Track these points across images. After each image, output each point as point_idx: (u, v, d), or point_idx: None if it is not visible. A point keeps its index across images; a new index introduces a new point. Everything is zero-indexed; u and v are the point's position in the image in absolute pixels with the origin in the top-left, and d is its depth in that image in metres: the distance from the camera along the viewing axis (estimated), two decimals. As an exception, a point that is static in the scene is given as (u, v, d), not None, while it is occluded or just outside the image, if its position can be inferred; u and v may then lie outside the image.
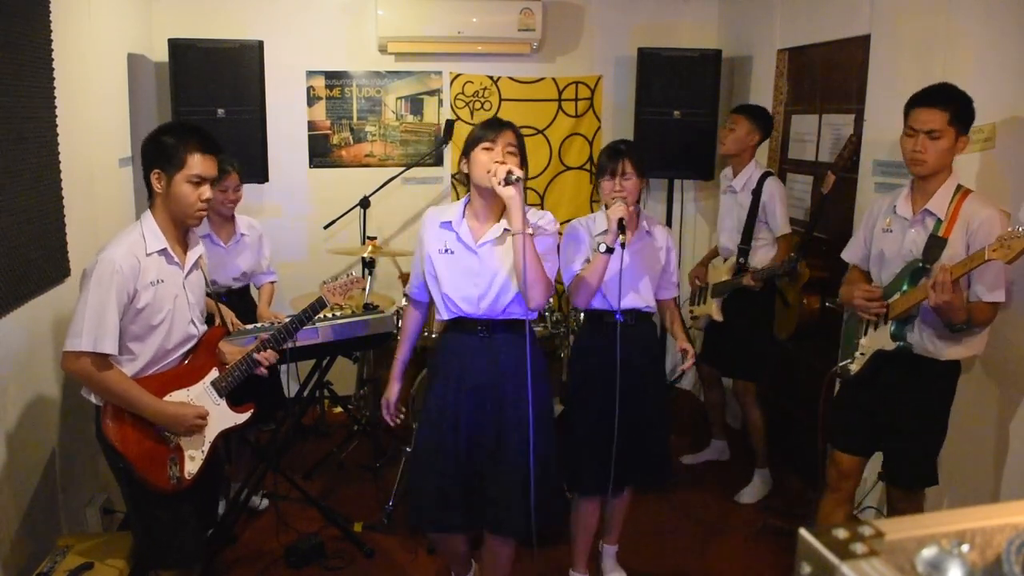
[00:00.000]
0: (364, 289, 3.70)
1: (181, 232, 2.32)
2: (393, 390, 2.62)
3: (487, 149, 2.31)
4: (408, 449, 3.54)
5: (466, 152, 2.38)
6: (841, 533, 0.66)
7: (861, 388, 2.65)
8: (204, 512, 2.54)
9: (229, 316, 3.12)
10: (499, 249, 2.38)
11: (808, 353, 3.92)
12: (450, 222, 2.41)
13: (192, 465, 2.32)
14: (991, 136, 2.70)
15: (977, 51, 2.76)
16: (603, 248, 2.54)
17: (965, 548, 0.63)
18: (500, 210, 2.37)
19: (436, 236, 2.42)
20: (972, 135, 2.77)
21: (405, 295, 2.67)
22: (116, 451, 2.19)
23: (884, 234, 2.60)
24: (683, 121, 4.35)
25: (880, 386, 2.59)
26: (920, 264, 2.43)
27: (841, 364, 2.70)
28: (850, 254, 2.81)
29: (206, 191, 2.23)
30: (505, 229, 2.35)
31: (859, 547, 0.64)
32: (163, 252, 2.24)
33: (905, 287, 2.46)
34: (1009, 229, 2.12)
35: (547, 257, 2.35)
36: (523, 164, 2.37)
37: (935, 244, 2.41)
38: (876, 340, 2.56)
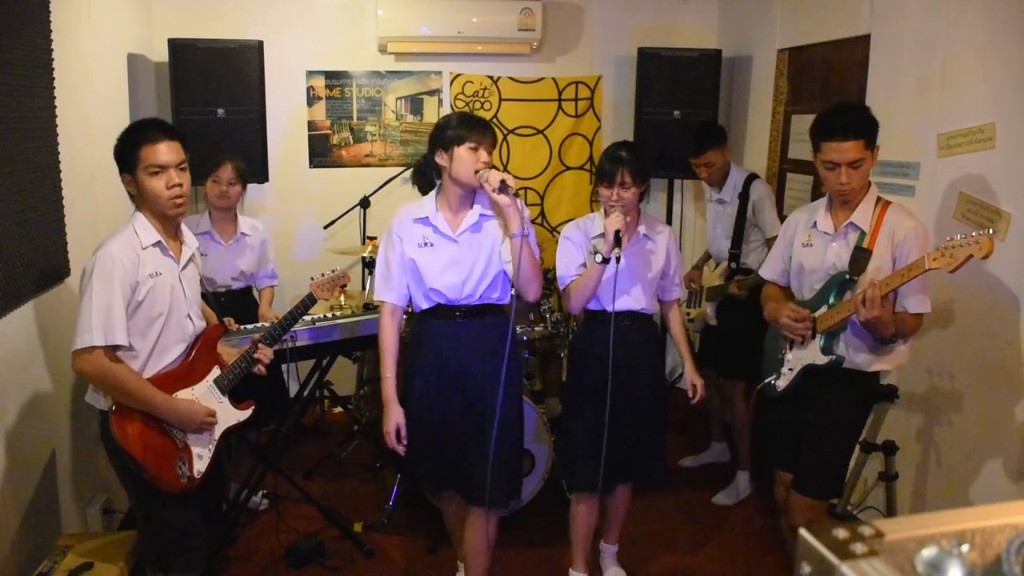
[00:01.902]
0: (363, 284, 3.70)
1: (171, 227, 2.30)
2: (397, 413, 2.52)
3: (473, 149, 2.39)
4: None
5: (446, 146, 2.43)
6: (841, 533, 0.66)
7: (786, 403, 2.63)
8: (211, 515, 2.53)
9: (228, 320, 3.13)
10: (477, 236, 2.50)
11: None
12: (426, 217, 2.49)
13: (200, 464, 2.32)
14: (991, 136, 2.70)
15: (977, 51, 2.76)
16: (599, 258, 2.57)
17: (965, 548, 0.63)
18: (472, 199, 2.51)
19: (413, 232, 2.50)
20: (972, 135, 2.78)
21: (378, 302, 2.60)
22: (125, 452, 2.17)
23: (804, 248, 2.58)
24: (683, 121, 4.35)
25: (803, 399, 2.57)
26: (847, 276, 2.42)
27: (767, 381, 2.68)
28: (768, 270, 2.77)
29: (173, 176, 2.19)
30: (482, 215, 2.49)
31: (859, 547, 0.64)
32: (158, 244, 2.23)
33: (832, 300, 2.44)
34: (949, 237, 2.12)
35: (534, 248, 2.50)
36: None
37: (860, 256, 2.40)
38: (805, 355, 2.54)
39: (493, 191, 2.34)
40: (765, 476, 3.86)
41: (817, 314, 2.48)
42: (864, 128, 2.34)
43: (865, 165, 2.37)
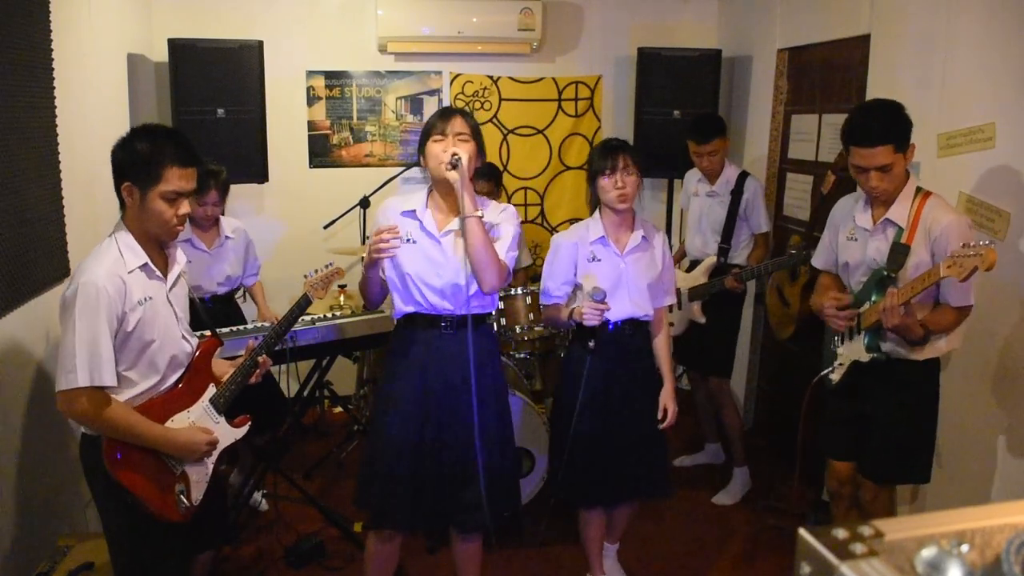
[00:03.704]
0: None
1: (157, 243, 2.11)
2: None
3: (438, 140, 2.30)
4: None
5: (420, 146, 2.36)
6: (841, 533, 0.66)
7: (842, 397, 2.65)
8: (215, 524, 2.40)
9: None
10: (462, 240, 2.36)
11: (808, 353, 3.92)
12: (413, 211, 2.38)
13: (198, 491, 2.18)
14: (991, 136, 2.70)
15: (977, 51, 2.76)
16: (573, 322, 2.58)
17: (965, 548, 0.63)
18: None
19: (399, 225, 2.37)
20: (972, 135, 2.78)
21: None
22: (121, 488, 2.02)
23: (848, 243, 2.58)
24: (683, 121, 4.33)
25: (861, 393, 2.58)
26: (885, 273, 2.42)
27: (823, 373, 2.70)
28: (819, 260, 2.78)
29: (183, 206, 2.03)
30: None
31: (859, 547, 0.64)
32: (144, 267, 2.04)
33: (874, 297, 2.45)
34: (962, 244, 2.14)
35: (511, 246, 2.38)
36: (480, 151, 2.38)
37: (898, 252, 2.40)
38: (852, 351, 2.56)
39: (447, 170, 2.22)
40: (764, 476, 3.88)
41: (861, 310, 2.50)
42: (892, 133, 2.31)
43: (896, 168, 2.35)
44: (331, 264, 2.75)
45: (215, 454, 2.25)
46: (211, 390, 2.26)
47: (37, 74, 2.69)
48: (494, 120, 4.85)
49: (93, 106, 3.24)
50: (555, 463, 2.83)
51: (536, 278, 4.02)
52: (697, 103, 4.38)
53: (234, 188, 3.53)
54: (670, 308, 3.75)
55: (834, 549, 0.65)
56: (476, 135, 2.37)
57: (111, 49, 3.64)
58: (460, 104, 4.77)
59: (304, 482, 3.73)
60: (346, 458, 4.11)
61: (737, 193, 3.68)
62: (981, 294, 2.72)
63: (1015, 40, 2.61)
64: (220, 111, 3.97)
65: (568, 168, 5.01)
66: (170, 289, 2.14)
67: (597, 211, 2.74)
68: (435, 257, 2.35)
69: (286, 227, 4.65)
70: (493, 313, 2.49)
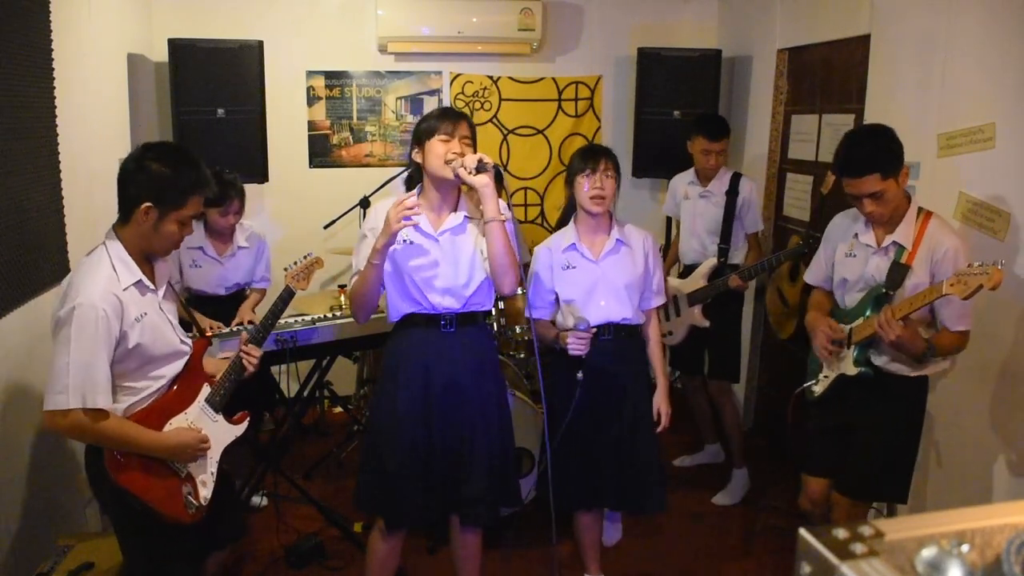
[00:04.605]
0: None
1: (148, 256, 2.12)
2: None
3: (444, 140, 2.29)
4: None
5: (419, 141, 2.34)
6: (841, 533, 0.66)
7: (826, 409, 2.63)
8: (227, 523, 2.41)
9: (207, 323, 3.11)
10: (460, 238, 2.38)
11: (808, 353, 3.92)
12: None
13: (205, 490, 2.20)
14: (991, 136, 2.70)
15: (977, 51, 2.76)
16: (558, 347, 2.57)
17: (965, 548, 0.63)
18: (455, 200, 2.40)
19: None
20: (972, 135, 2.78)
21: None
22: (128, 495, 2.02)
23: (847, 259, 2.57)
24: (683, 121, 4.33)
25: (846, 406, 2.57)
26: (883, 291, 2.42)
27: (806, 385, 2.69)
28: (813, 276, 2.77)
29: (189, 228, 2.09)
30: (466, 217, 2.38)
31: (859, 547, 0.65)
32: (138, 284, 2.03)
33: (868, 313, 2.45)
34: (968, 264, 2.15)
35: (517, 243, 2.41)
36: None
37: (898, 271, 2.40)
38: (840, 364, 2.55)
39: (471, 174, 2.21)
40: (764, 476, 3.88)
41: (853, 325, 2.49)
42: (876, 162, 2.31)
43: (888, 193, 2.35)
44: (310, 254, 2.78)
45: (216, 452, 2.25)
46: (206, 390, 2.27)
47: (37, 74, 2.69)
48: (494, 120, 4.85)
49: (93, 106, 3.24)
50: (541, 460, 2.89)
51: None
52: (697, 103, 4.38)
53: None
54: (667, 315, 3.75)
55: (834, 549, 0.65)
56: (475, 142, 2.38)
57: (111, 49, 3.64)
58: (460, 104, 4.77)
59: (304, 482, 3.73)
60: (346, 458, 4.11)
61: (732, 194, 3.68)
62: (981, 296, 2.73)
63: (1015, 40, 2.60)
64: (220, 111, 3.97)
65: (568, 168, 5.01)
66: (162, 298, 2.14)
67: (573, 219, 2.74)
68: (434, 257, 2.35)
69: (286, 227, 4.65)
70: (493, 312, 2.48)
